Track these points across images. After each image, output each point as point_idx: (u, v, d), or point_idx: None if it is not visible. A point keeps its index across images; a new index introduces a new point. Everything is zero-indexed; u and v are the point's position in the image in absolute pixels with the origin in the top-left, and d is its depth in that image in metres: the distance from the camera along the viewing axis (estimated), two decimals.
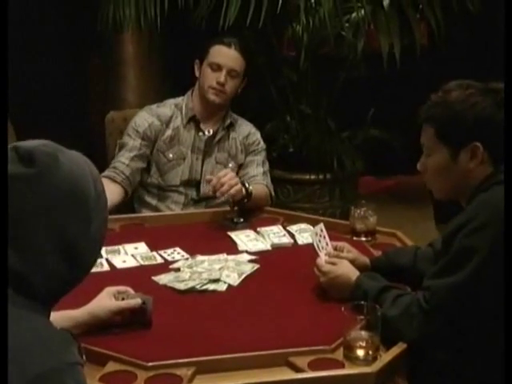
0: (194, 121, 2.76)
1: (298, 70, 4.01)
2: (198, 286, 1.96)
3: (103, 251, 2.24)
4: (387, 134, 4.12)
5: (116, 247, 2.27)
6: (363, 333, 1.64)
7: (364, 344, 1.63)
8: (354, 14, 3.76)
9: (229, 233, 2.39)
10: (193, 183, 2.73)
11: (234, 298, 1.93)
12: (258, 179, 2.73)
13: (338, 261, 1.94)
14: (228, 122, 2.79)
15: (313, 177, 3.82)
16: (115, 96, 3.68)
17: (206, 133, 2.75)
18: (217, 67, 2.67)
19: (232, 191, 2.43)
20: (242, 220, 2.49)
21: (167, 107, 2.78)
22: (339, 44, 3.81)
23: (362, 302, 1.68)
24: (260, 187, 2.68)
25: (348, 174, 3.86)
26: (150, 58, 3.81)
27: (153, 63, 3.82)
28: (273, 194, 2.76)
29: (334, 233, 2.35)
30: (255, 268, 2.10)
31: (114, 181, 2.61)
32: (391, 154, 4.23)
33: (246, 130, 2.84)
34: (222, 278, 2.00)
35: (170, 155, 2.73)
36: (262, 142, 2.86)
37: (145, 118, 2.74)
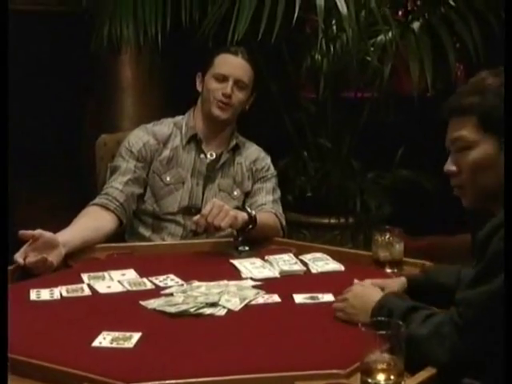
0: (195, 141, 2.76)
1: (316, 100, 4.04)
2: (192, 310, 1.91)
3: (85, 277, 2.20)
4: (420, 177, 4.08)
5: (100, 273, 2.24)
6: (385, 355, 1.57)
7: (385, 367, 1.56)
8: (380, 37, 3.80)
9: (232, 260, 2.35)
10: (192, 211, 2.70)
11: (234, 322, 1.88)
12: (267, 207, 2.70)
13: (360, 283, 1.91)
14: (233, 143, 2.79)
15: (333, 220, 3.79)
16: (110, 125, 3.70)
17: (209, 156, 2.74)
18: (222, 78, 2.69)
19: (224, 224, 2.39)
20: (247, 248, 2.46)
21: (165, 125, 2.79)
22: (364, 70, 3.85)
23: (384, 318, 1.62)
24: (268, 215, 2.65)
25: (373, 218, 3.82)
26: (150, 82, 3.84)
27: (153, 88, 3.86)
28: (284, 223, 2.73)
29: (352, 264, 2.32)
30: (260, 295, 2.04)
31: (107, 208, 2.58)
32: (424, 203, 4.19)
33: (254, 155, 2.84)
34: (220, 303, 1.95)
35: (168, 178, 2.71)
36: (272, 168, 2.86)
37: (139, 137, 2.74)
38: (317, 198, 3.88)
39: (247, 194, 2.78)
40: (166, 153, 2.72)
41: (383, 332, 1.56)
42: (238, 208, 2.55)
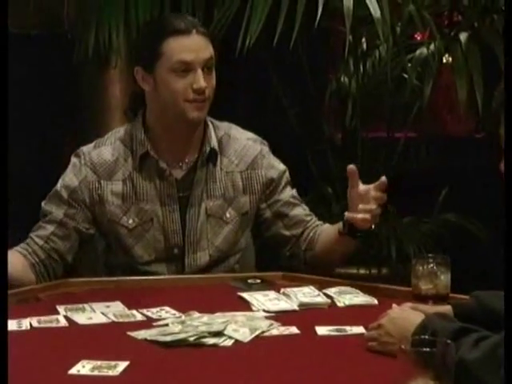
0: (148, 159, 2.56)
1: (343, 129, 4.08)
2: (191, 339, 1.89)
3: (61, 309, 2.20)
4: (469, 223, 4.07)
5: (80, 305, 2.24)
6: (430, 382, 1.54)
7: None
8: (418, 51, 3.85)
9: (240, 293, 2.35)
10: (174, 252, 2.57)
11: (244, 353, 1.87)
12: (314, 222, 2.66)
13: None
14: (207, 149, 2.57)
15: (362, 271, 3.77)
16: None
17: (178, 169, 2.56)
18: (185, 68, 2.45)
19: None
20: (258, 281, 2.46)
21: (108, 147, 2.59)
22: (400, 91, 3.89)
23: (428, 337, 1.60)
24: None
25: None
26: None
27: None
28: None
29: (387, 299, 2.30)
30: (275, 326, 2.03)
31: (26, 260, 2.47)
32: (475, 254, 4.18)
33: (248, 154, 2.63)
34: (226, 332, 1.94)
35: (130, 221, 2.53)
36: (282, 166, 2.70)
37: (74, 173, 2.56)
38: None
39: (245, 215, 2.62)
40: (117, 187, 2.54)
41: (428, 350, 1.54)
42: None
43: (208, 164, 2.58)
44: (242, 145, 2.64)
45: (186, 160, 2.58)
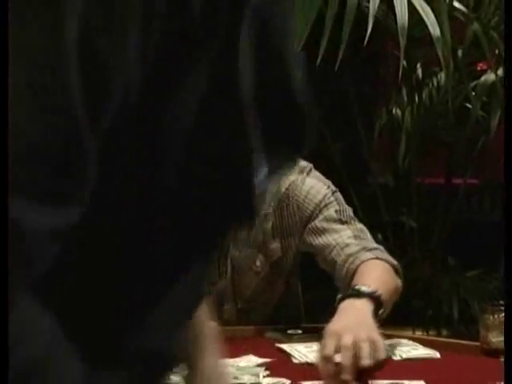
0: None
1: (395, 169, 4.08)
2: None
3: None
4: None
5: None
6: None
7: None
8: (484, 77, 3.85)
9: (279, 345, 2.35)
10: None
11: None
12: (355, 252, 2.42)
13: None
14: None
15: (418, 333, 3.74)
16: None
17: None
18: None
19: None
20: (299, 332, 2.45)
21: None
22: (461, 125, 3.90)
23: None
24: (377, 272, 2.39)
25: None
26: None
27: None
28: (395, 263, 2.49)
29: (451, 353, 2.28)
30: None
31: None
32: None
33: (279, 190, 2.51)
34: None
35: None
36: (321, 191, 2.52)
37: None
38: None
39: (278, 262, 2.56)
40: None
41: None
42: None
43: None
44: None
45: None
